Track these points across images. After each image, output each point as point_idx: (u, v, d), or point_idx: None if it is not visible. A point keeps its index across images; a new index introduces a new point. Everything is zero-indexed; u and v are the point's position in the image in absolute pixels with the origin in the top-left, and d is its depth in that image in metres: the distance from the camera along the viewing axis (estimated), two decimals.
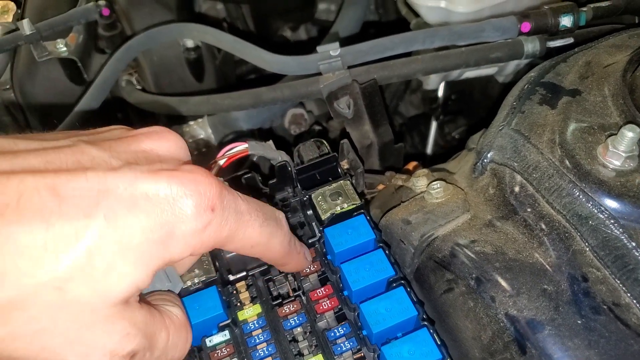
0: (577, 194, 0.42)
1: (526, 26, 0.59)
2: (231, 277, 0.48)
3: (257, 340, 0.45)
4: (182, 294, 0.46)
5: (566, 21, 0.59)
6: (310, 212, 0.52)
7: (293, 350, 0.44)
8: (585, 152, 0.43)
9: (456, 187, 0.51)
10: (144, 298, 0.38)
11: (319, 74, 0.62)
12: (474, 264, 0.44)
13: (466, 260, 0.44)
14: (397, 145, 0.71)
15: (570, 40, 0.63)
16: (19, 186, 0.28)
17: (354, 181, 0.57)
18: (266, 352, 0.44)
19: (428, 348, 0.41)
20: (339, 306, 0.46)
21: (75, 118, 0.68)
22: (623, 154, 0.41)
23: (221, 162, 0.51)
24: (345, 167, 0.59)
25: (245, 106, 0.65)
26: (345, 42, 0.61)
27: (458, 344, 0.45)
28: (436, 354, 0.40)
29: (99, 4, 0.81)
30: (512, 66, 0.81)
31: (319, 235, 0.50)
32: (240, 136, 0.79)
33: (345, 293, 0.46)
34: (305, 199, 0.51)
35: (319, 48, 0.59)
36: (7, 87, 0.88)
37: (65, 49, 0.79)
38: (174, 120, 0.89)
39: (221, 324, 0.45)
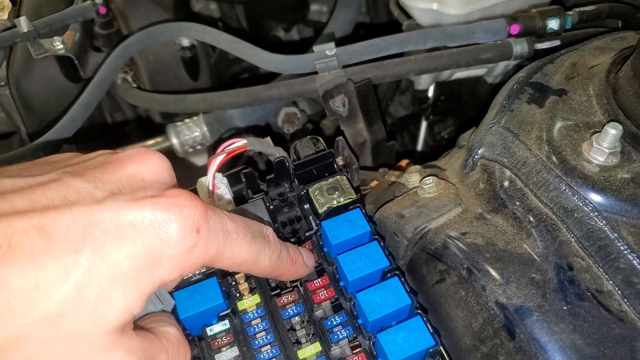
0: (564, 188, 0.44)
1: (515, 28, 0.62)
2: None
3: (257, 329, 0.46)
4: (183, 285, 0.47)
5: (553, 24, 0.62)
6: (307, 206, 0.53)
7: (291, 338, 0.46)
8: (571, 148, 0.45)
9: (448, 182, 0.53)
10: (138, 324, 0.39)
11: (315, 72, 0.64)
12: (465, 255, 0.46)
13: (458, 251, 0.46)
14: (389, 143, 0.73)
15: (557, 42, 0.65)
16: (7, 229, 0.29)
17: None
18: (265, 341, 0.45)
19: (422, 335, 0.42)
20: (335, 296, 0.48)
21: (76, 113, 0.69)
22: (606, 151, 0.43)
23: (221, 157, 0.52)
24: (340, 163, 0.61)
25: (242, 104, 0.67)
26: (338, 43, 0.63)
27: (449, 332, 0.47)
28: (429, 340, 0.42)
29: (96, 3, 0.82)
30: (500, 67, 0.84)
31: (315, 228, 0.52)
32: (236, 133, 0.80)
33: (342, 284, 0.48)
34: (302, 193, 0.52)
35: (315, 47, 0.61)
36: (2, 83, 0.89)
37: (62, 46, 0.80)
38: (169, 117, 0.91)
39: (221, 314, 0.46)
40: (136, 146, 0.82)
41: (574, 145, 0.46)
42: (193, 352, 0.46)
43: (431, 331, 0.43)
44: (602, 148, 0.43)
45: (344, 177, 0.53)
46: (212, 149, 0.91)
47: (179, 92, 0.84)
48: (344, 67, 0.64)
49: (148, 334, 0.37)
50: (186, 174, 0.93)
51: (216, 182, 0.54)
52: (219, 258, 0.36)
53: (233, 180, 0.56)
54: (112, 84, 0.83)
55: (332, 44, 0.61)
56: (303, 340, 0.46)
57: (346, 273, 0.46)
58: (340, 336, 0.45)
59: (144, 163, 0.36)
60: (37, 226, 0.30)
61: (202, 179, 0.54)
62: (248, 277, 0.50)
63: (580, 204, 0.43)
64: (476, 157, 0.51)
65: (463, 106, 1.11)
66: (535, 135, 0.48)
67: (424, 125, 1.15)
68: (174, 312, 0.45)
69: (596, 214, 0.42)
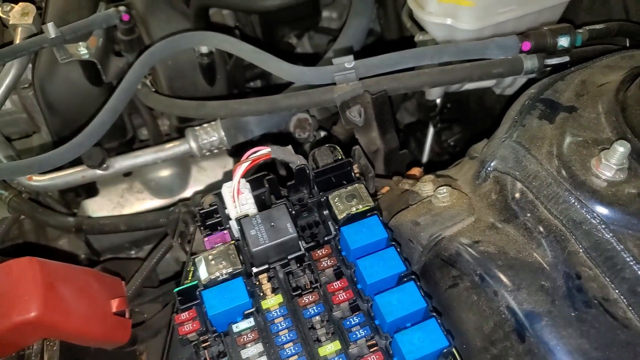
0: (573, 201, 0.46)
1: (527, 45, 0.64)
2: (254, 270, 0.52)
3: (280, 327, 0.49)
4: (211, 285, 0.50)
5: (564, 42, 0.64)
6: (326, 212, 0.56)
7: (312, 336, 0.48)
8: (580, 163, 0.48)
9: (461, 192, 0.56)
10: None
11: (333, 83, 0.67)
12: (478, 262, 0.48)
13: (471, 258, 0.49)
14: (401, 151, 0.76)
15: (567, 58, 0.68)
16: None
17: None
18: (288, 338, 0.48)
19: (436, 336, 0.45)
20: (354, 298, 0.50)
21: (104, 118, 0.72)
22: (614, 167, 0.46)
23: (245, 164, 0.55)
24: (356, 171, 0.63)
25: (262, 112, 0.70)
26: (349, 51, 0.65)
27: (461, 334, 0.50)
28: (443, 341, 0.45)
29: (120, 10, 0.85)
30: (509, 79, 0.86)
31: (334, 233, 0.54)
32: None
33: (359, 286, 0.51)
34: (322, 199, 0.55)
35: (334, 60, 0.64)
36: (26, 85, 0.91)
37: (86, 51, 0.83)
38: (185, 122, 0.94)
39: (246, 312, 0.49)
40: (154, 149, 0.85)
41: (583, 161, 0.48)
42: (219, 347, 0.49)
43: (445, 333, 0.45)
44: (610, 164, 0.46)
45: (362, 185, 0.55)
46: (227, 153, 0.94)
47: (195, 97, 0.87)
48: (361, 79, 0.66)
49: None
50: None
51: (240, 187, 0.56)
52: None
53: (255, 185, 0.58)
54: None
55: (351, 57, 0.64)
56: (323, 338, 0.48)
57: (365, 276, 0.49)
58: (359, 335, 0.48)
59: None
60: None
61: (228, 184, 0.56)
62: (271, 278, 0.52)
63: (589, 217, 0.45)
64: (489, 169, 0.53)
65: (471, 115, 1.14)
66: (546, 150, 0.50)
67: (431, 132, 1.18)
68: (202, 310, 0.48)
69: (603, 226, 0.44)
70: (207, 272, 0.50)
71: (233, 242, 0.53)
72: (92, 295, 0.63)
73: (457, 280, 0.50)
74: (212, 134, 0.83)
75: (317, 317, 0.50)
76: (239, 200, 0.56)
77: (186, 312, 0.50)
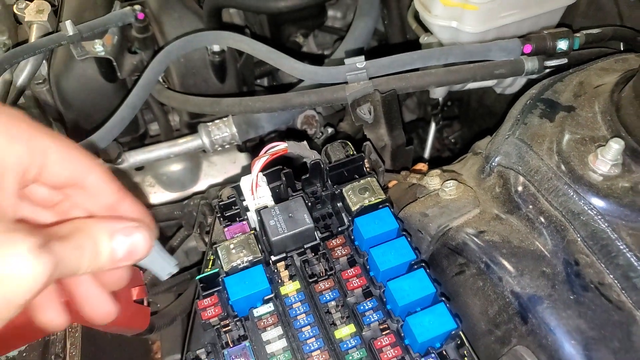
0: (571, 194, 0.50)
1: (528, 48, 0.68)
2: (273, 258, 0.55)
3: (298, 312, 0.52)
4: (232, 272, 0.53)
5: (562, 45, 0.68)
6: (340, 204, 0.59)
7: (328, 320, 0.52)
8: (578, 159, 0.52)
9: (466, 185, 0.59)
10: None
11: (344, 82, 0.70)
12: (484, 251, 0.52)
13: (476, 247, 0.52)
14: (407, 147, 0.79)
15: (565, 60, 0.71)
16: None
17: None
18: (306, 322, 0.52)
19: (445, 319, 0.49)
20: (366, 284, 0.54)
21: (124, 114, 0.75)
22: (609, 162, 0.50)
23: (264, 158, 0.58)
24: (366, 166, 0.67)
25: (275, 109, 0.73)
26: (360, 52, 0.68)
27: (467, 318, 0.53)
28: (452, 323, 0.48)
29: (135, 9, 0.88)
30: (509, 79, 0.90)
31: (348, 224, 0.58)
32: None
33: (372, 273, 0.54)
34: (337, 192, 0.58)
35: (346, 60, 0.67)
36: (40, 81, 0.94)
37: (102, 49, 0.85)
38: (197, 117, 0.97)
39: (266, 298, 0.53)
40: (168, 143, 0.88)
41: (580, 157, 0.52)
42: (239, 332, 0.53)
43: (453, 316, 0.49)
44: (605, 160, 0.50)
45: (374, 179, 0.59)
46: (237, 148, 0.97)
47: (206, 94, 0.90)
48: (371, 78, 0.70)
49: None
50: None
51: (258, 180, 0.59)
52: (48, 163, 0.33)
53: (271, 178, 0.62)
54: None
55: (362, 58, 0.67)
56: (338, 322, 0.52)
57: (378, 264, 0.52)
58: (372, 319, 0.51)
59: None
60: None
61: (246, 177, 0.60)
62: (288, 266, 0.56)
63: (586, 208, 0.49)
64: (493, 164, 0.57)
65: (471, 113, 1.17)
66: (547, 147, 0.54)
67: (432, 129, 1.22)
68: (224, 297, 0.51)
69: (599, 217, 0.48)
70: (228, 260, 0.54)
71: (252, 231, 0.56)
72: None
73: (464, 268, 0.53)
74: (224, 130, 0.86)
75: (333, 302, 0.53)
76: (257, 192, 0.59)
77: (208, 298, 0.54)
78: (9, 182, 0.31)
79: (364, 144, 0.66)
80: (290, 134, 1.03)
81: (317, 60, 1.10)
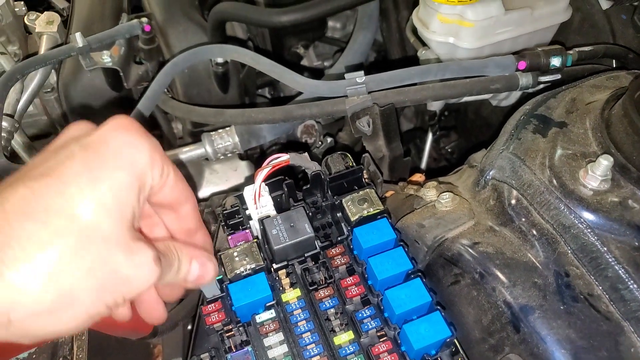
0: (562, 207, 0.52)
1: (522, 64, 0.70)
2: (275, 266, 0.57)
3: (298, 318, 0.54)
4: (235, 279, 0.55)
5: (556, 62, 0.70)
6: (340, 214, 0.61)
7: (328, 327, 0.54)
8: (569, 174, 0.54)
9: (462, 198, 0.61)
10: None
11: (344, 96, 0.72)
12: (478, 261, 0.54)
13: (471, 258, 0.54)
14: (405, 158, 0.81)
15: (558, 76, 0.74)
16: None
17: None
18: (306, 328, 0.53)
19: (440, 327, 0.50)
20: (365, 293, 0.56)
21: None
22: (599, 178, 0.52)
23: (266, 169, 0.60)
24: (365, 177, 0.69)
25: (277, 120, 0.75)
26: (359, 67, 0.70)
27: (461, 326, 0.55)
28: (447, 331, 0.50)
29: (142, 21, 0.90)
30: (504, 93, 0.92)
31: (347, 233, 0.60)
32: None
33: (370, 282, 0.56)
34: (337, 203, 0.60)
35: (346, 75, 0.69)
36: (48, 90, 0.96)
37: (109, 59, 0.88)
38: (199, 127, 0.99)
39: (268, 304, 0.54)
40: (172, 152, 0.90)
41: (572, 172, 0.54)
42: (242, 337, 0.54)
43: (448, 324, 0.51)
44: (595, 175, 0.52)
45: (373, 190, 0.61)
46: (239, 157, 0.99)
47: (209, 104, 0.92)
48: (370, 92, 0.72)
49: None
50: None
51: (260, 190, 0.61)
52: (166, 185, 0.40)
53: (272, 188, 0.64)
54: None
55: (362, 72, 0.69)
56: (337, 329, 0.54)
57: (376, 273, 0.54)
58: (370, 326, 0.53)
59: None
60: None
61: (249, 188, 0.62)
62: (289, 274, 0.57)
63: (576, 222, 0.51)
64: (488, 177, 0.59)
65: (468, 124, 1.20)
66: (539, 162, 0.56)
67: (430, 139, 1.24)
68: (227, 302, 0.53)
69: (589, 230, 0.50)
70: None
71: (255, 240, 0.58)
72: None
73: (459, 278, 0.55)
74: (227, 139, 0.88)
75: (332, 310, 0.55)
76: (259, 202, 0.61)
77: (212, 304, 0.55)
78: (143, 197, 0.37)
79: (363, 155, 0.68)
80: (290, 142, 1.05)
81: (316, 73, 1.12)
